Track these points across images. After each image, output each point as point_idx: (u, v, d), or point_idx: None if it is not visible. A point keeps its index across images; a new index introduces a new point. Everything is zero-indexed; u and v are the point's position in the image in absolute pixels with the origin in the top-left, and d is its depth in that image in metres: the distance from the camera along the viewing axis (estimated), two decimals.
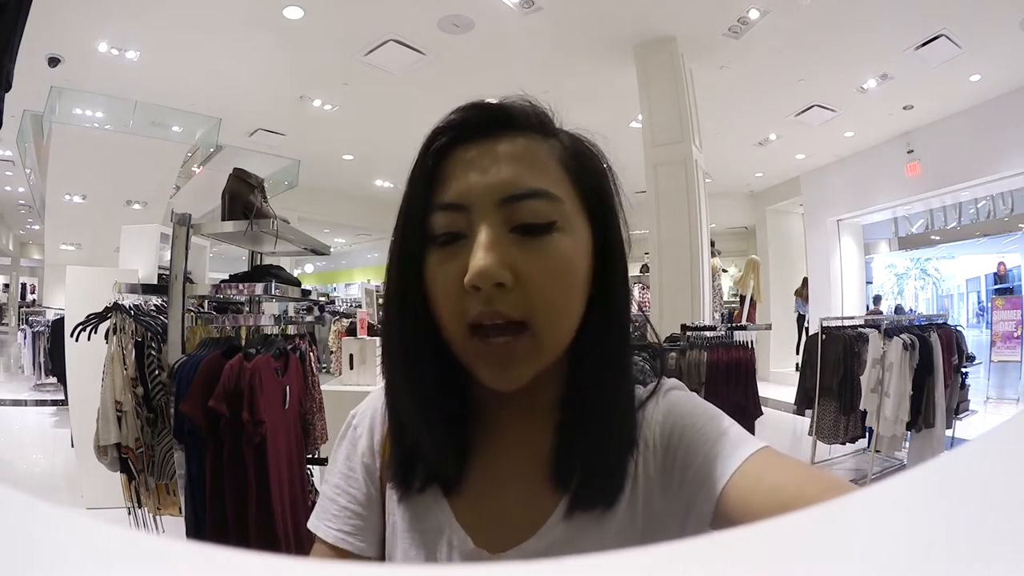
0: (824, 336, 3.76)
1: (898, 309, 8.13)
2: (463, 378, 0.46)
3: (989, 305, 7.04)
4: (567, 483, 0.45)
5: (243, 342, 1.92)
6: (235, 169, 1.97)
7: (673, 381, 0.51)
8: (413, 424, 0.47)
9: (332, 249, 3.32)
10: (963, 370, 3.91)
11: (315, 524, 0.53)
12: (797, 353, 7.16)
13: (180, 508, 1.75)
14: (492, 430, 0.49)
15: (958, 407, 3.82)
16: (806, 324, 7.80)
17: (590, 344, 0.45)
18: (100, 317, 1.93)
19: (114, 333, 1.85)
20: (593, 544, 0.44)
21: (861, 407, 3.47)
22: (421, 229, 0.43)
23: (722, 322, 4.81)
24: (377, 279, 15.08)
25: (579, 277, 0.43)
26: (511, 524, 0.46)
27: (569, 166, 0.45)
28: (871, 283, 8.76)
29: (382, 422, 0.54)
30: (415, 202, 0.44)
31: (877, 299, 8.47)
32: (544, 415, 0.47)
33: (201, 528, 1.61)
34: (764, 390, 3.59)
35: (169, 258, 1.86)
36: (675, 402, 0.48)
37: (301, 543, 1.77)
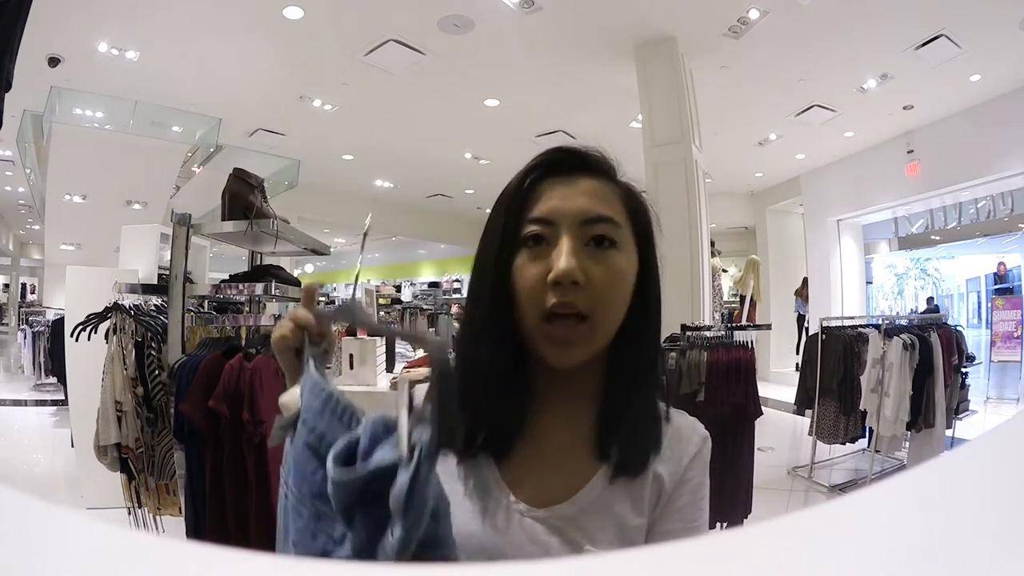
0: (824, 336, 3.76)
1: (934, 307, 7.86)
2: (526, 362, 0.58)
3: (989, 305, 7.03)
4: (605, 455, 0.56)
5: (243, 342, 1.92)
6: (235, 169, 1.97)
7: (707, 433, 0.64)
8: (483, 394, 0.56)
9: (332, 249, 3.32)
10: (963, 370, 3.91)
11: None
12: (797, 353, 7.16)
13: (180, 508, 1.75)
14: (544, 408, 0.60)
15: (958, 407, 3.83)
16: (806, 324, 7.80)
17: (629, 340, 0.58)
18: (100, 317, 1.93)
19: (114, 333, 1.85)
20: (619, 511, 0.56)
21: (861, 407, 3.47)
22: (514, 237, 0.56)
23: (722, 322, 4.81)
24: (377, 279, 15.10)
25: (629, 285, 0.57)
26: (551, 486, 0.56)
27: (628, 205, 0.60)
28: (871, 283, 8.75)
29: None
30: (512, 215, 0.57)
31: (930, 300, 8.35)
32: (587, 398, 0.60)
33: (201, 528, 1.61)
34: (764, 390, 3.59)
35: (169, 258, 1.87)
36: (705, 452, 0.61)
37: None
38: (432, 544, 0.38)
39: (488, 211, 0.61)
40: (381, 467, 0.40)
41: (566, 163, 0.59)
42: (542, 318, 0.54)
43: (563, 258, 0.53)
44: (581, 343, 0.55)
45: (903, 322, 3.75)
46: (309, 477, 0.46)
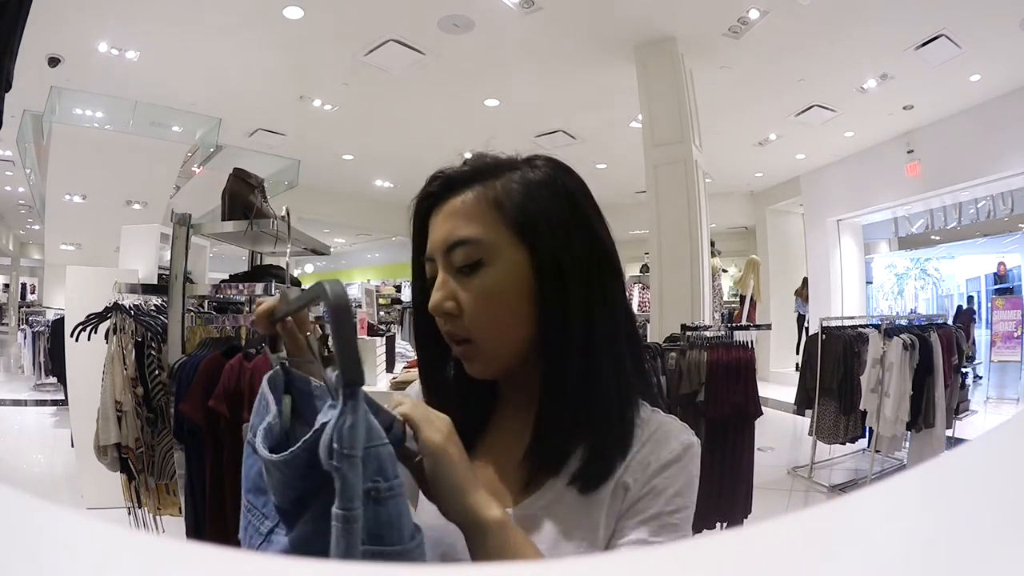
0: (824, 336, 3.76)
1: (960, 312, 7.31)
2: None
3: (989, 305, 7.03)
4: (549, 463, 0.54)
5: (243, 342, 1.92)
6: (235, 169, 1.97)
7: (696, 440, 0.58)
8: (444, 394, 0.60)
9: (332, 249, 3.32)
10: (963, 370, 3.91)
11: None
12: (797, 353, 7.16)
13: (180, 508, 1.75)
14: (505, 409, 0.62)
15: (958, 407, 3.83)
16: (806, 324, 7.80)
17: (557, 342, 0.54)
18: (100, 317, 1.93)
19: (114, 333, 1.85)
20: (570, 520, 0.53)
21: (861, 407, 3.47)
22: (422, 273, 0.59)
23: (722, 322, 4.81)
24: (377, 279, 15.10)
25: (509, 299, 0.54)
26: (500, 490, 0.56)
27: (501, 205, 0.55)
28: (871, 283, 8.75)
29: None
30: (416, 254, 0.60)
31: (960, 308, 7.92)
32: (525, 406, 0.58)
33: (201, 528, 1.61)
34: (764, 390, 3.58)
35: (169, 258, 1.87)
36: (687, 460, 0.55)
37: None
38: (385, 531, 0.37)
39: None
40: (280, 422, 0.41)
41: (440, 188, 0.58)
42: (447, 342, 0.57)
43: (433, 292, 0.55)
44: (478, 360, 0.56)
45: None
46: (247, 474, 0.47)
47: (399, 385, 3.10)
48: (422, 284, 0.59)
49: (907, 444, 3.66)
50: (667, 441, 0.55)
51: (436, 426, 0.48)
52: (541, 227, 0.55)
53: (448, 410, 0.52)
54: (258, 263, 2.33)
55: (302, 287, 2.22)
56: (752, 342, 3.03)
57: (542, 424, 0.55)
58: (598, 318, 0.55)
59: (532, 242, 0.54)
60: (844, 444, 3.76)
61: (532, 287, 0.54)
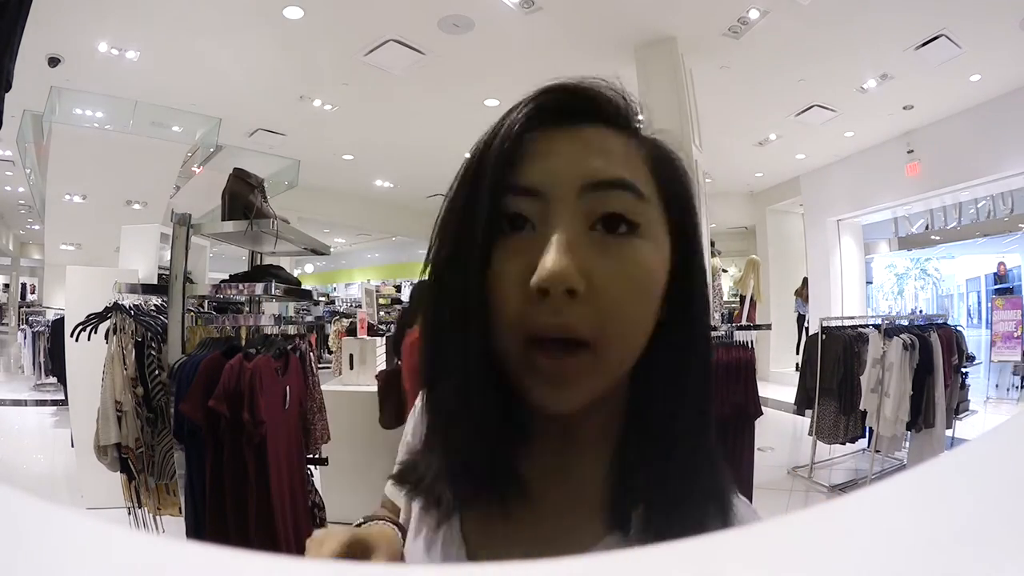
0: (824, 336, 3.76)
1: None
2: (510, 396, 0.39)
3: (989, 305, 7.03)
4: (622, 524, 0.38)
5: (243, 342, 1.92)
6: (235, 169, 1.97)
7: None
8: (449, 438, 0.40)
9: (332, 249, 3.32)
10: (963, 370, 3.91)
11: (388, 488, 0.56)
12: (797, 353, 7.16)
13: (180, 508, 1.75)
14: (533, 458, 0.41)
15: (958, 407, 3.83)
16: (806, 324, 7.80)
17: (660, 370, 0.40)
18: (100, 317, 1.93)
19: (114, 333, 1.85)
20: None
21: (861, 407, 3.47)
22: (484, 215, 0.37)
23: (722, 322, 4.81)
24: (377, 279, 15.10)
25: (656, 291, 0.38)
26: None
27: (652, 166, 0.40)
28: (871, 283, 8.75)
29: None
30: (479, 183, 0.38)
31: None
32: (598, 443, 0.41)
33: (201, 528, 1.61)
34: (764, 390, 3.59)
35: (169, 258, 1.87)
36: None
37: (301, 543, 1.77)
38: None
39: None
40: None
41: (563, 108, 0.40)
42: (523, 342, 0.35)
43: (552, 252, 0.34)
44: (581, 381, 0.36)
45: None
46: None
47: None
48: (474, 243, 0.37)
49: (907, 444, 3.66)
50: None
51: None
52: (688, 214, 0.41)
53: (455, 455, 0.40)
54: (258, 263, 2.33)
55: (301, 287, 2.22)
56: (752, 342, 3.03)
57: (625, 469, 0.40)
58: (705, 333, 0.42)
59: (677, 222, 0.40)
60: (844, 444, 3.76)
61: (667, 278, 0.39)
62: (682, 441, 0.39)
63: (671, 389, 0.40)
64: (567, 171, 0.37)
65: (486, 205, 0.37)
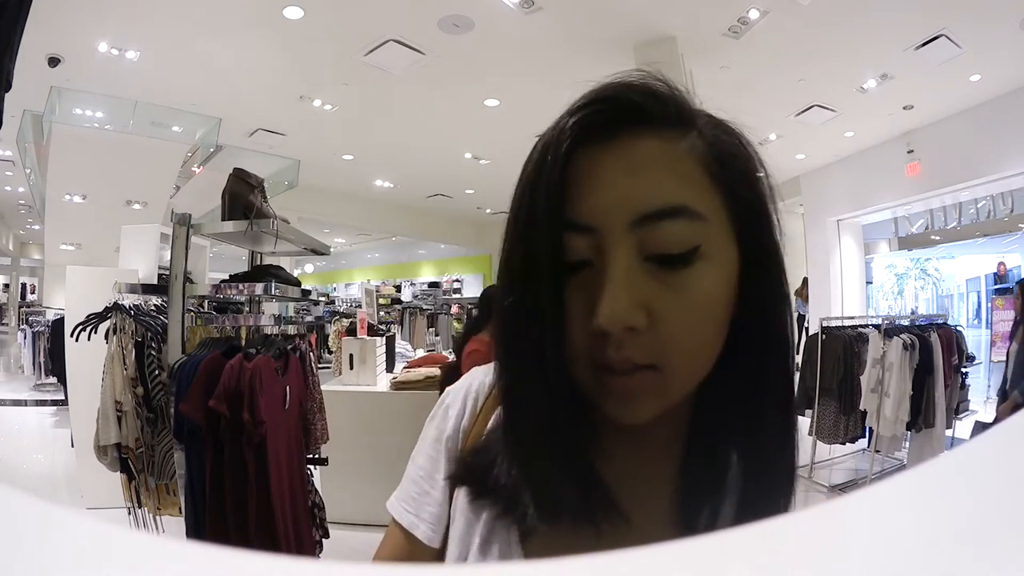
0: (824, 336, 3.76)
1: None
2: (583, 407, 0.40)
3: (989, 305, 7.03)
4: (692, 524, 0.39)
5: (243, 342, 1.92)
6: (235, 169, 1.97)
7: None
8: (523, 452, 0.41)
9: (332, 249, 3.32)
10: (963, 370, 3.91)
11: (393, 504, 0.51)
12: (797, 353, 7.14)
13: (180, 508, 1.75)
14: (606, 468, 0.41)
15: (958, 407, 3.83)
16: (806, 324, 7.80)
17: (738, 368, 0.39)
18: (100, 317, 1.93)
19: (114, 333, 1.85)
20: None
21: (861, 407, 3.47)
22: (548, 258, 0.36)
23: None
24: (377, 279, 15.11)
25: (723, 313, 0.37)
26: None
27: (714, 170, 0.37)
28: (871, 283, 8.75)
29: (473, 402, 0.50)
30: (539, 219, 0.36)
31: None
32: (668, 449, 0.42)
33: (201, 528, 1.61)
34: None
35: (169, 258, 1.86)
36: None
37: (301, 543, 1.77)
38: None
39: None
40: None
41: (605, 118, 0.37)
42: (594, 369, 0.37)
43: (607, 293, 0.34)
44: (652, 397, 0.37)
45: None
46: None
47: (400, 385, 3.10)
48: (553, 272, 0.36)
49: (907, 444, 3.66)
50: None
51: None
52: (759, 214, 0.38)
53: (528, 469, 0.40)
54: (258, 263, 2.33)
55: (301, 287, 2.22)
56: None
57: (694, 473, 0.40)
58: (787, 344, 0.41)
59: (748, 227, 0.38)
60: (844, 444, 3.76)
61: (736, 291, 0.38)
62: (767, 438, 0.40)
63: (752, 380, 0.39)
64: (616, 203, 0.36)
65: (545, 248, 0.36)
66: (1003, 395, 3.21)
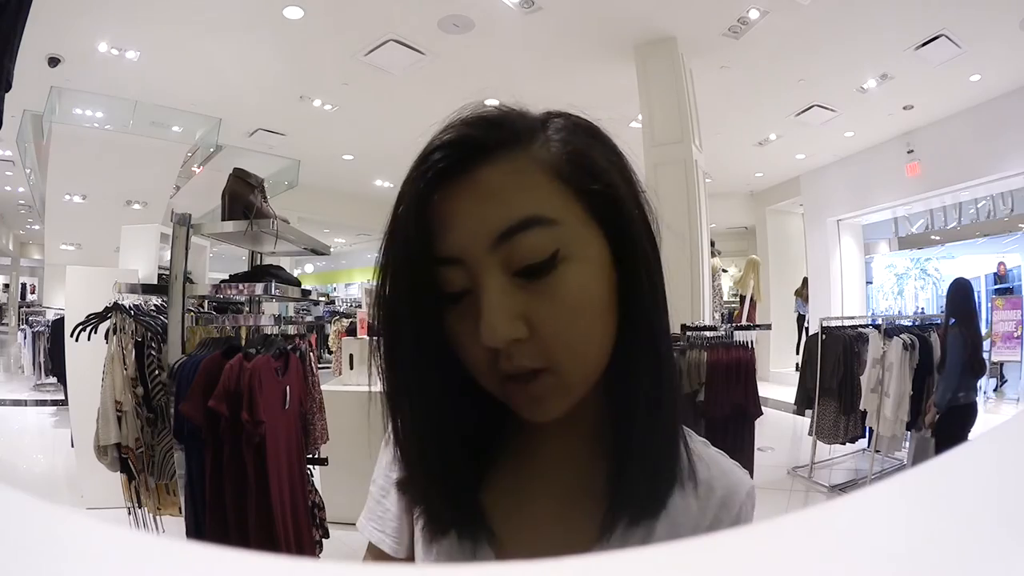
0: (824, 336, 3.76)
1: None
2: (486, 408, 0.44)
3: (989, 305, 7.03)
4: (618, 508, 0.42)
5: (243, 342, 1.92)
6: (235, 169, 1.97)
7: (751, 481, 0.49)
8: (440, 468, 0.43)
9: (332, 249, 3.32)
10: None
11: (363, 524, 0.53)
12: (797, 353, 7.16)
13: (180, 508, 1.75)
14: (523, 459, 0.47)
15: None
16: (806, 324, 7.80)
17: (623, 369, 0.41)
18: (100, 317, 1.93)
19: (114, 333, 1.85)
20: None
21: (861, 407, 3.47)
22: (428, 286, 0.39)
23: (722, 322, 4.81)
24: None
25: (600, 306, 0.39)
26: (550, 543, 0.45)
27: (563, 172, 0.39)
28: (871, 283, 8.75)
29: None
30: (413, 257, 0.39)
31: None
32: (585, 441, 0.46)
33: (201, 528, 1.61)
34: (764, 390, 3.59)
35: (169, 258, 1.86)
36: (745, 515, 0.46)
37: (301, 543, 1.77)
38: None
39: None
40: None
41: (458, 159, 0.39)
42: (500, 380, 0.40)
43: (484, 318, 0.37)
44: (554, 396, 0.40)
45: None
46: None
47: None
48: (429, 306, 0.39)
49: (907, 444, 3.66)
50: (720, 490, 0.45)
51: None
52: (618, 202, 0.40)
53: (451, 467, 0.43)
54: (258, 263, 2.33)
55: (301, 287, 2.22)
56: (752, 342, 3.04)
57: (628, 459, 0.42)
58: (661, 323, 0.42)
59: (610, 218, 0.40)
60: (844, 444, 3.76)
61: (614, 282, 0.40)
62: (648, 433, 0.42)
63: (633, 384, 0.42)
64: (474, 231, 0.38)
65: (424, 285, 0.39)
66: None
